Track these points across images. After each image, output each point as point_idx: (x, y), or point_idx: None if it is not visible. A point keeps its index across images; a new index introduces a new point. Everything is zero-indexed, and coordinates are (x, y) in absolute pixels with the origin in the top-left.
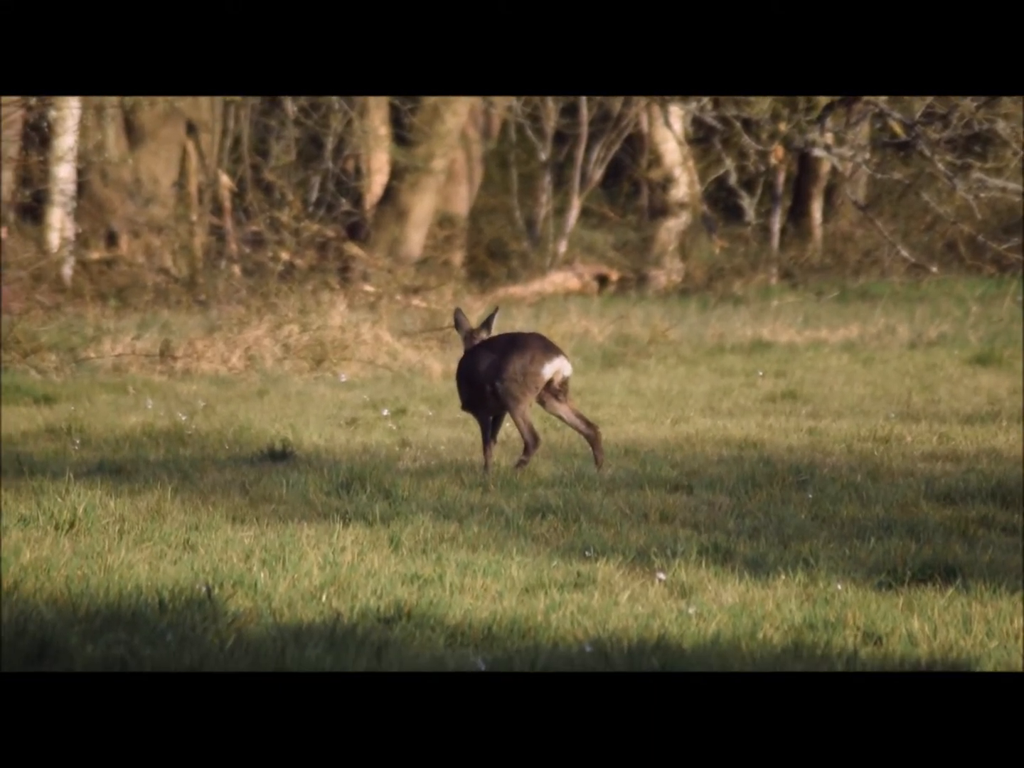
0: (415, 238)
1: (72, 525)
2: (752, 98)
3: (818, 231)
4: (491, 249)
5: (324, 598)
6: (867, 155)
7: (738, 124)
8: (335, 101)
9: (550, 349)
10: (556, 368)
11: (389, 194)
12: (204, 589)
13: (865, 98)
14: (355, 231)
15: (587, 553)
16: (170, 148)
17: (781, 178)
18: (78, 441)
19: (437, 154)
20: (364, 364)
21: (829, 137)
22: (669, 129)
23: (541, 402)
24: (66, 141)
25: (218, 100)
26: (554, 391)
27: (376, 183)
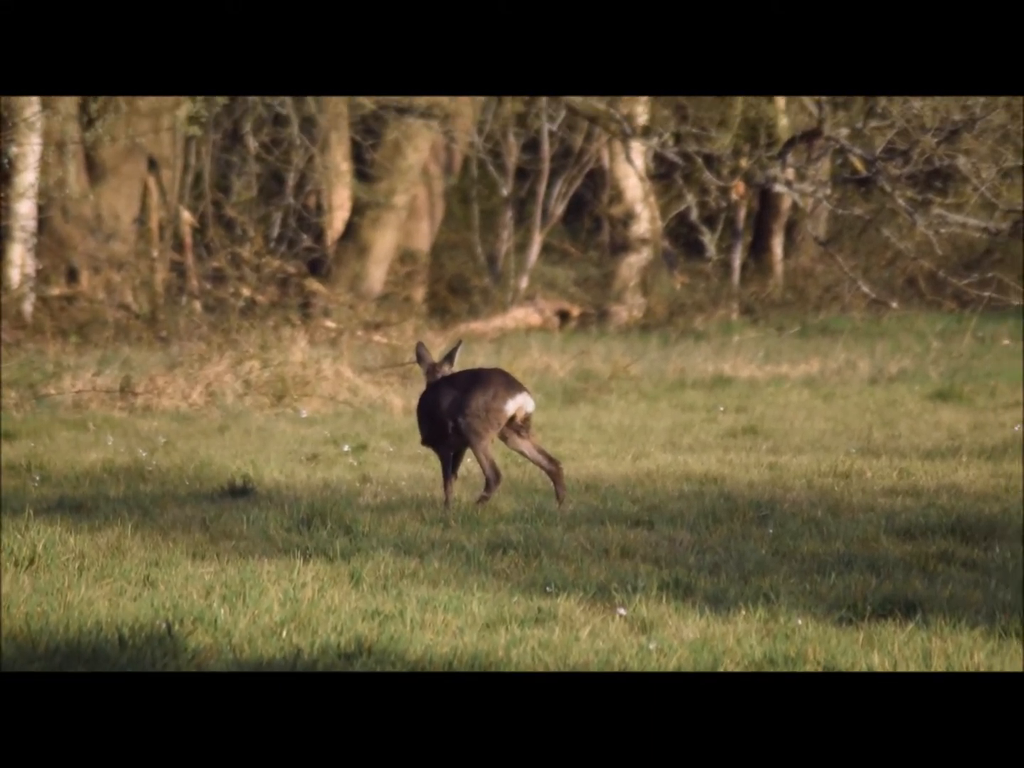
0: (376, 274)
1: (32, 562)
2: (713, 134)
3: (779, 267)
4: (452, 285)
5: (285, 634)
6: (828, 191)
7: (699, 160)
8: (296, 136)
9: (513, 385)
10: (519, 404)
11: (350, 230)
12: (164, 625)
13: (826, 134)
14: (316, 267)
15: (548, 589)
16: (131, 184)
17: (742, 214)
18: (38, 478)
19: (399, 190)
20: (325, 400)
21: (790, 173)
22: (630, 165)
23: (503, 438)
24: (27, 177)
25: (179, 136)
26: (516, 427)
27: (337, 219)
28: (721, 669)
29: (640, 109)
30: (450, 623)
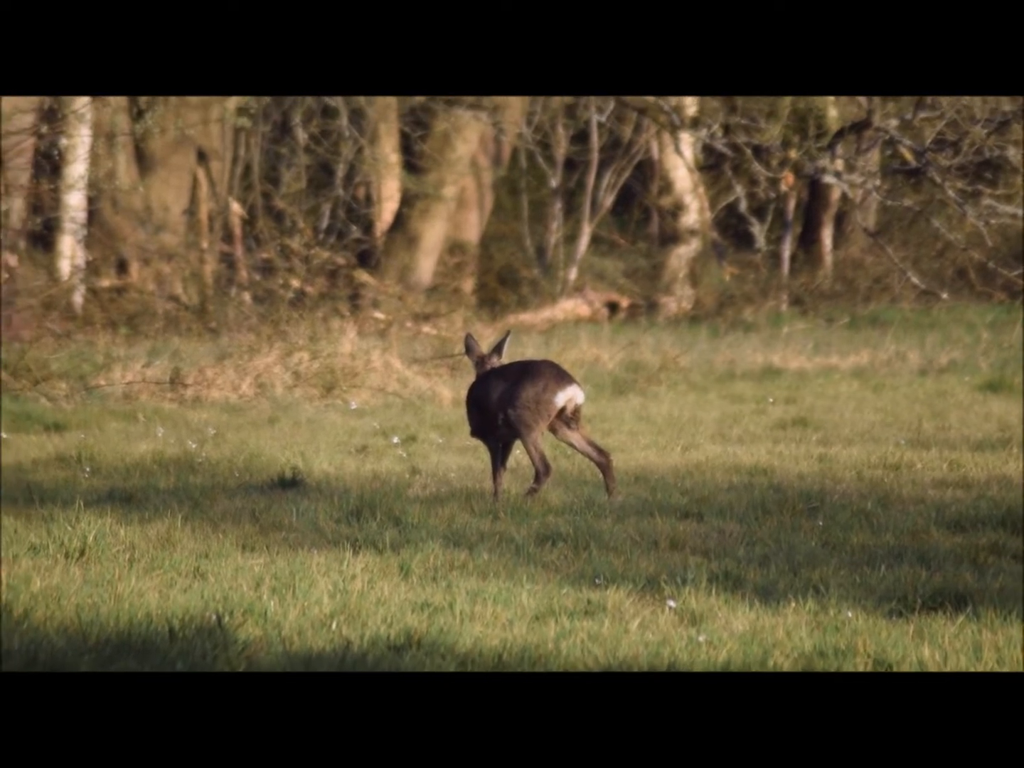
0: (425, 265)
1: (82, 553)
2: (762, 124)
3: (828, 258)
4: (501, 276)
5: (334, 626)
6: (877, 182)
7: (748, 151)
8: (345, 128)
9: (563, 377)
10: (569, 396)
11: (399, 221)
12: (214, 617)
13: (875, 124)
14: (365, 258)
15: (597, 581)
16: (181, 176)
17: (791, 205)
18: (88, 469)
19: (448, 181)
20: (374, 391)
21: (839, 164)
22: (680, 156)
23: (553, 430)
24: (77, 169)
25: (228, 127)
26: (566, 419)
27: (386, 210)
28: (771, 662)
29: (689, 100)
30: (500, 615)
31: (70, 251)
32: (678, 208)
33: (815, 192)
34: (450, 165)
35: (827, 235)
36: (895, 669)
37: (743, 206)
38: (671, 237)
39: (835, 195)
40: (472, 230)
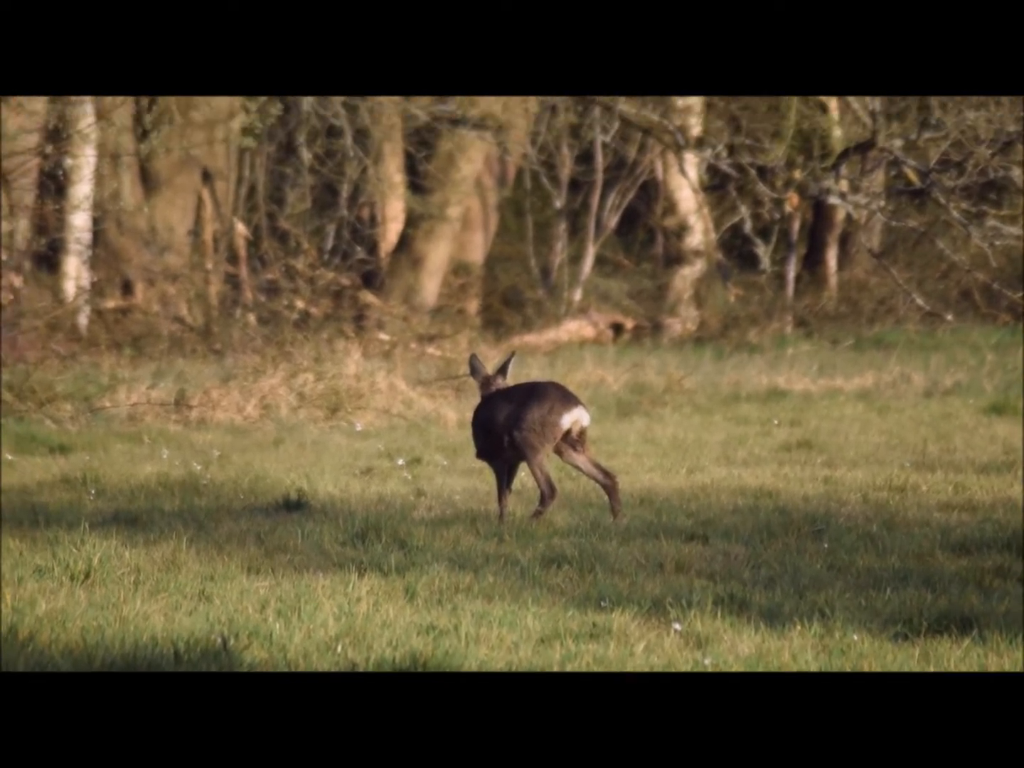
0: (430, 286)
1: (87, 576)
2: (767, 145)
3: (833, 279)
4: (506, 297)
5: (339, 649)
6: (882, 203)
7: (753, 171)
8: (350, 148)
9: (569, 399)
10: (575, 418)
11: (404, 242)
12: (219, 640)
13: (879, 145)
14: (370, 279)
15: (602, 603)
16: (185, 196)
17: (796, 226)
18: (93, 491)
19: (452, 201)
20: (379, 413)
21: (844, 184)
22: (684, 176)
23: (558, 452)
24: (82, 189)
25: (233, 148)
26: (572, 441)
27: (391, 231)
28: None
29: (693, 120)
30: (505, 638)
31: (75, 272)
32: (682, 229)
33: (819, 213)
34: (455, 185)
35: (832, 256)
36: None
37: (748, 227)
38: (675, 258)
39: (839, 216)
40: (477, 251)
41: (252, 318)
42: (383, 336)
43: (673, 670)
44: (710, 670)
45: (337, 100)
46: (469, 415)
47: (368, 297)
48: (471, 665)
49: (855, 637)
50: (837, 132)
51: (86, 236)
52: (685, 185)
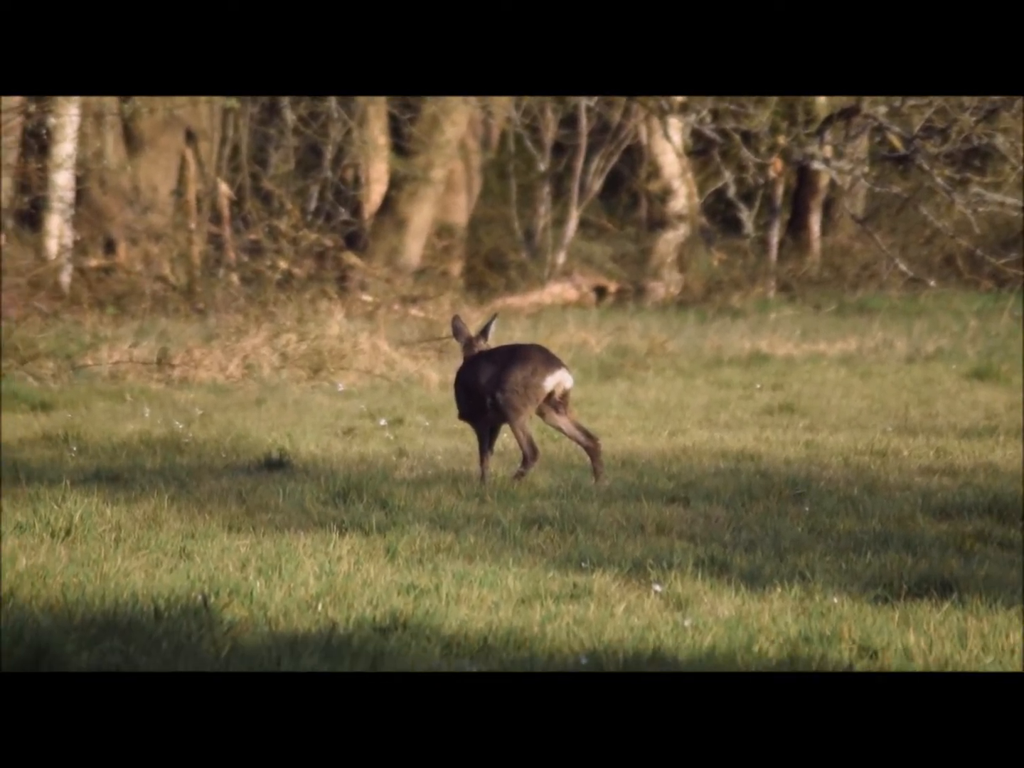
0: (413, 248)
1: (68, 533)
2: (751, 110)
3: (816, 244)
4: (489, 259)
5: (320, 607)
6: (866, 168)
7: (737, 137)
8: (334, 110)
9: (552, 361)
10: (558, 380)
11: (387, 204)
12: (200, 598)
13: (864, 111)
14: (353, 240)
15: (583, 564)
16: (169, 156)
17: (780, 191)
18: (75, 448)
19: (436, 164)
20: (361, 373)
21: (828, 150)
22: (668, 141)
23: (541, 414)
24: (65, 148)
25: (217, 108)
26: (554, 403)
27: (375, 192)
28: (756, 647)
29: None
30: (485, 598)
31: (58, 231)
32: (666, 193)
33: (803, 178)
34: (438, 148)
35: (815, 222)
36: (879, 655)
37: (731, 192)
38: (659, 222)
39: (823, 182)
40: (460, 213)
41: (235, 278)
42: (366, 297)
43: (653, 631)
44: (690, 632)
45: None
46: (451, 376)
47: (351, 258)
48: (451, 625)
49: (835, 600)
50: (821, 98)
51: (69, 195)
52: (669, 150)
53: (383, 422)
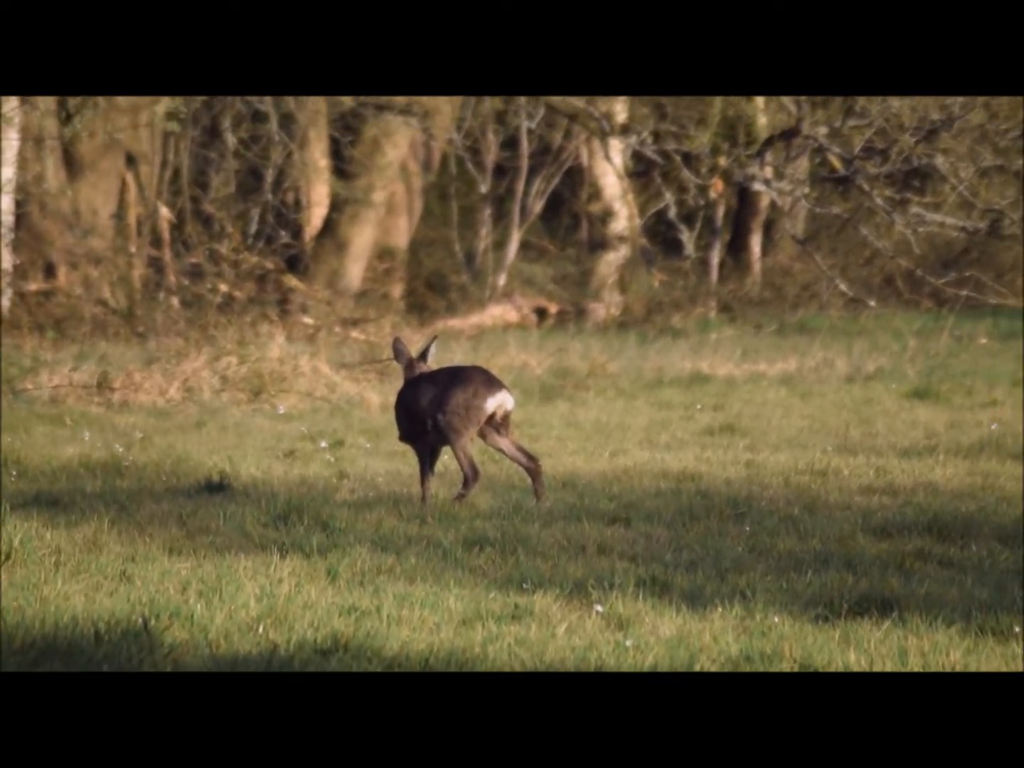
0: (354, 270)
1: (8, 557)
2: (692, 131)
3: (757, 265)
4: (430, 281)
5: (261, 630)
6: (806, 189)
7: (678, 158)
8: (275, 133)
9: (493, 383)
10: (499, 402)
11: (328, 226)
12: (141, 621)
13: (804, 132)
14: (294, 263)
15: (525, 585)
16: (109, 180)
17: (720, 212)
18: (15, 472)
19: (377, 186)
20: (302, 396)
21: (768, 171)
22: (609, 162)
23: (482, 435)
24: (5, 172)
25: (158, 132)
26: (496, 425)
27: (316, 215)
28: (697, 666)
29: (619, 107)
30: (427, 619)
31: None
32: (607, 214)
33: (744, 199)
34: (380, 170)
35: (756, 242)
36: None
37: (672, 213)
38: (600, 243)
39: (764, 202)
40: (401, 235)
41: (175, 301)
42: (307, 320)
43: (595, 651)
44: (631, 652)
45: None
46: (392, 398)
47: (292, 281)
48: (392, 647)
49: (776, 619)
50: (762, 119)
51: (9, 219)
52: (610, 171)
53: (324, 444)
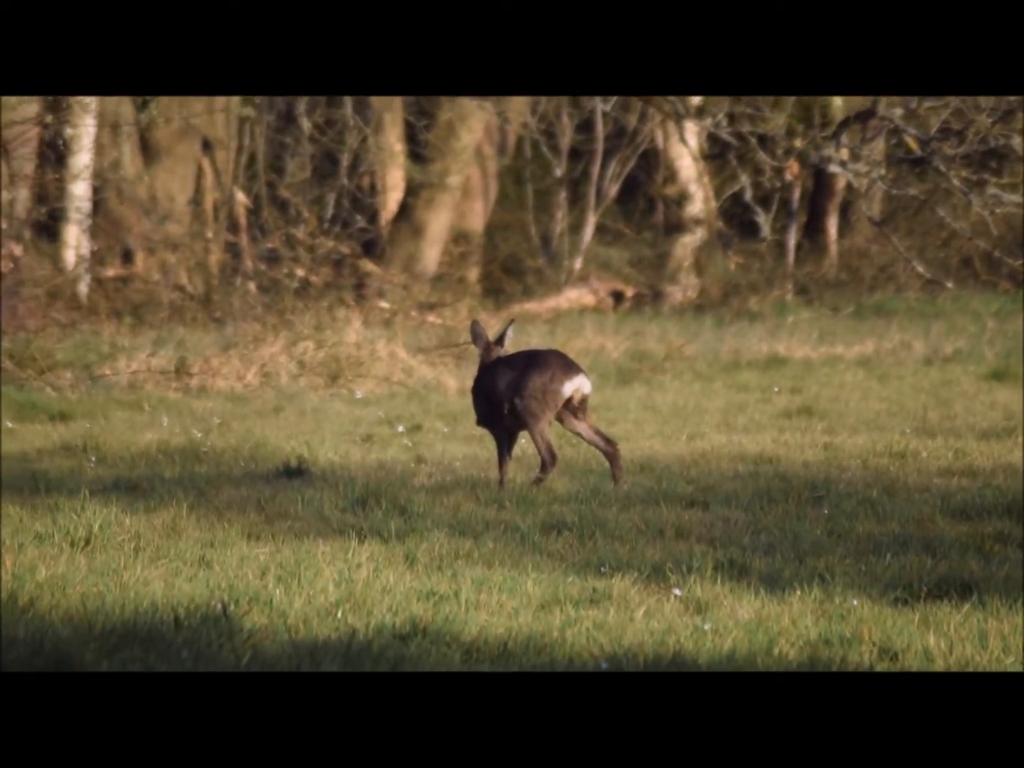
0: (430, 254)
1: (88, 542)
2: (767, 114)
3: (833, 247)
4: (506, 265)
5: (339, 615)
6: (882, 171)
7: (753, 140)
8: (350, 117)
9: (570, 367)
10: (576, 386)
11: (404, 211)
12: (219, 606)
13: (880, 114)
14: (370, 248)
15: (602, 569)
16: (186, 165)
17: (796, 194)
18: (94, 458)
19: (452, 170)
20: (379, 381)
21: (844, 153)
22: (684, 145)
23: (559, 419)
24: (82, 159)
25: (233, 117)
26: (573, 409)
27: (391, 200)
28: (776, 650)
29: None
30: (505, 604)
31: (75, 241)
32: (683, 197)
33: (820, 181)
34: (455, 154)
35: (832, 224)
36: (900, 657)
37: (748, 195)
38: (676, 226)
39: (840, 184)
40: (477, 219)
41: (252, 286)
42: (383, 304)
43: (673, 635)
44: (709, 636)
45: None
46: (469, 382)
47: (368, 265)
48: (471, 631)
49: (855, 602)
50: (838, 101)
51: (86, 205)
52: (686, 154)
53: (401, 429)
